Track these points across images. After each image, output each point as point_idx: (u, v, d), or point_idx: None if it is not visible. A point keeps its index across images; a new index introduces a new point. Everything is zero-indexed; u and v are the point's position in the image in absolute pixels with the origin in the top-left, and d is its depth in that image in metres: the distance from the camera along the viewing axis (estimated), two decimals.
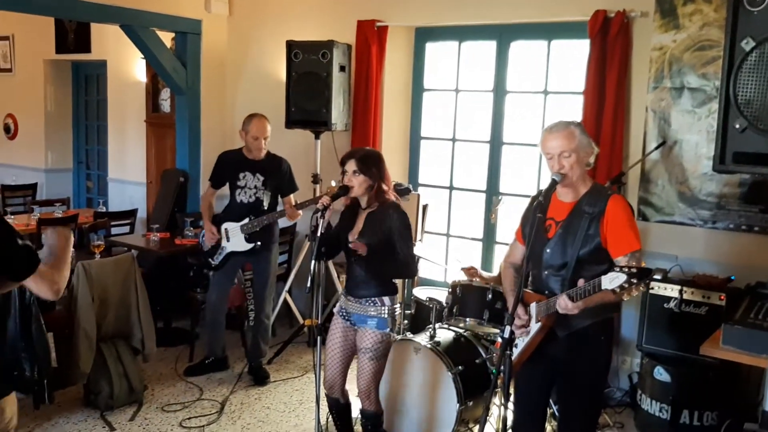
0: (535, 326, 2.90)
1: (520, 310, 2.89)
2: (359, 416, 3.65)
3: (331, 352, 3.56)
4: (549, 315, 2.83)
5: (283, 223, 5.89)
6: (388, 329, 3.46)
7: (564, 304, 2.68)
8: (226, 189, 4.86)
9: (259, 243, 4.75)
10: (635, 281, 2.45)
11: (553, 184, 2.87)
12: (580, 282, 2.64)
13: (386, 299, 3.45)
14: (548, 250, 2.90)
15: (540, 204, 2.84)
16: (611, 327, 3.00)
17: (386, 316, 3.44)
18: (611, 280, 2.50)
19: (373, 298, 3.44)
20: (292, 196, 4.92)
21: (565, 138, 2.82)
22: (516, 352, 2.98)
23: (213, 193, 4.94)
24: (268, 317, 5.04)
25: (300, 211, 4.83)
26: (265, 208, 4.79)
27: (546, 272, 2.92)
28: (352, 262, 3.50)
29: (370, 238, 3.39)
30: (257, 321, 4.98)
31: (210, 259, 4.86)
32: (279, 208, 4.87)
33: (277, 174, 4.83)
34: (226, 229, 4.77)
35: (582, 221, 2.83)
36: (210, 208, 4.89)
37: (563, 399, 3.11)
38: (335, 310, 3.64)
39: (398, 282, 3.61)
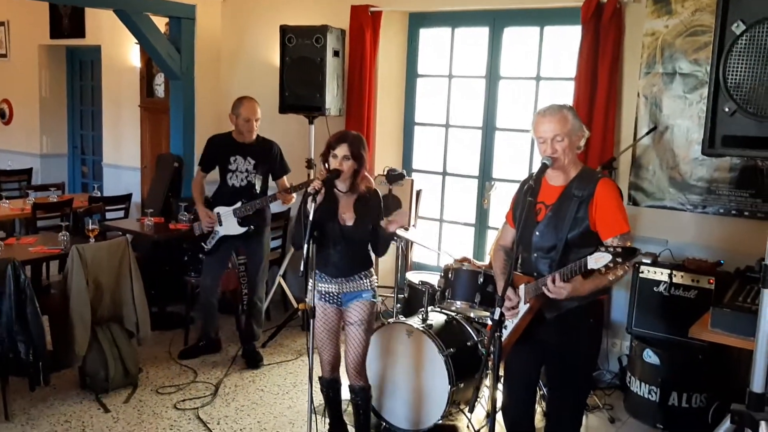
0: (523, 308, 2.93)
1: (510, 292, 2.92)
2: (350, 395, 3.68)
3: (321, 336, 3.59)
4: (537, 296, 2.86)
5: (276, 207, 5.92)
6: (376, 297, 3.64)
7: (551, 285, 2.69)
8: (215, 173, 4.87)
9: (252, 227, 4.77)
10: (620, 260, 2.48)
11: (544, 168, 2.88)
12: (550, 276, 2.67)
13: (372, 271, 3.63)
14: (537, 233, 2.92)
15: (531, 188, 2.86)
16: (600, 310, 3.03)
17: (373, 286, 3.60)
18: (596, 260, 2.53)
19: (362, 272, 3.56)
20: (285, 178, 4.94)
21: (559, 122, 2.84)
22: (505, 333, 3.00)
23: (203, 177, 4.95)
24: (261, 300, 5.07)
25: (293, 195, 4.83)
26: (257, 191, 4.81)
27: (535, 255, 2.94)
28: (336, 247, 3.49)
29: (364, 225, 3.47)
30: (250, 304, 5.02)
31: (203, 244, 4.87)
32: (271, 191, 4.89)
33: (267, 157, 4.85)
34: (218, 213, 4.78)
35: (571, 204, 2.85)
36: (202, 193, 4.90)
37: (552, 381, 3.14)
38: (316, 298, 3.56)
39: (385, 267, 3.67)
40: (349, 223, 3.47)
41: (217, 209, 4.79)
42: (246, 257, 5.14)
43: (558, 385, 3.05)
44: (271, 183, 4.96)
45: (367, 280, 3.58)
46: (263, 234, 4.93)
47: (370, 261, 3.63)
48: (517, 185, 3.13)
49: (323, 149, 3.50)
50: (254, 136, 4.80)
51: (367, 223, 3.50)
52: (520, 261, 3.04)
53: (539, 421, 3.62)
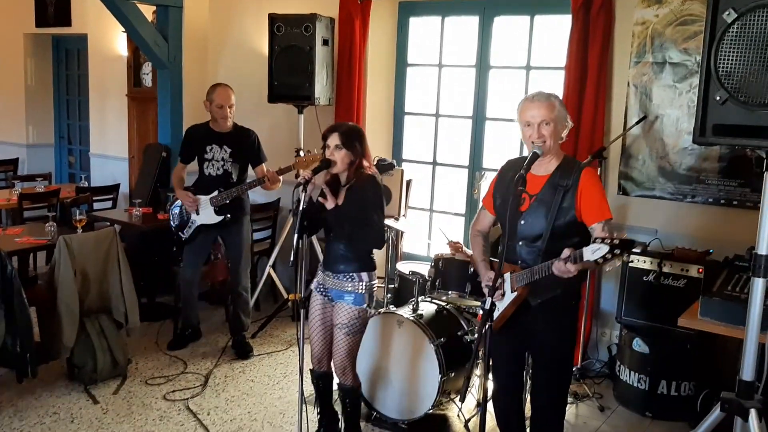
0: (510, 296, 2.96)
1: (492, 273, 2.97)
2: (337, 389, 3.67)
3: (314, 327, 3.58)
4: (525, 286, 2.89)
5: (265, 198, 5.90)
6: (365, 305, 3.45)
7: (562, 267, 2.67)
8: (196, 164, 4.84)
9: (228, 215, 4.74)
10: (618, 252, 2.50)
11: (535, 156, 2.89)
12: (566, 251, 2.66)
13: (364, 275, 3.44)
14: (522, 222, 2.94)
15: (522, 177, 2.85)
16: (579, 293, 3.12)
17: (363, 291, 3.43)
18: (593, 252, 2.54)
19: (351, 274, 3.42)
20: (264, 166, 4.91)
21: (547, 108, 2.89)
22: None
23: (183, 168, 4.92)
24: (246, 290, 5.03)
25: (281, 178, 4.75)
26: (234, 180, 4.78)
27: (520, 243, 2.96)
28: (331, 238, 3.50)
29: (349, 206, 3.37)
30: (235, 294, 4.98)
31: (180, 233, 4.84)
32: (249, 180, 4.86)
33: (244, 145, 4.82)
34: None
35: (556, 194, 2.88)
36: (181, 181, 4.87)
37: (536, 364, 3.16)
38: (312, 286, 3.62)
39: (377, 257, 3.60)
40: (332, 205, 3.36)
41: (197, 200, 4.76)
42: (226, 247, 5.09)
43: (542, 366, 3.09)
44: (251, 172, 4.94)
45: (354, 283, 3.42)
46: (242, 223, 4.89)
47: (367, 263, 3.47)
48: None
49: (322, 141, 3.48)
50: (229, 124, 4.77)
51: (354, 207, 3.37)
52: (501, 248, 3.01)
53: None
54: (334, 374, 3.62)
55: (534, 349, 3.10)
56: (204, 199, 4.73)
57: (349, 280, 3.43)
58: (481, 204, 3.29)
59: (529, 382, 3.48)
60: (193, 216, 4.77)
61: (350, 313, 3.43)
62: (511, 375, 3.18)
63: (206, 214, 4.75)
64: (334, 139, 3.37)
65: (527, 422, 3.30)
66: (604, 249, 2.51)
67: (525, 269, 2.90)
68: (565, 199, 2.86)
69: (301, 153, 4.80)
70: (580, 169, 2.91)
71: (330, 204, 3.35)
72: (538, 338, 3.00)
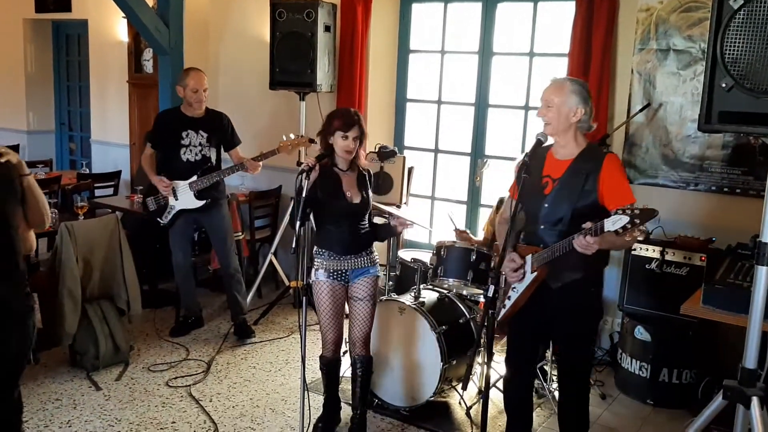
0: (529, 277, 2.99)
1: (515, 255, 3.01)
2: (353, 365, 3.69)
3: (326, 316, 3.58)
4: (544, 265, 2.92)
5: (266, 185, 5.89)
6: (379, 272, 3.72)
7: (582, 241, 2.70)
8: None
9: (209, 199, 4.73)
10: (638, 221, 2.52)
11: (538, 143, 2.97)
12: (587, 223, 2.70)
13: (372, 247, 3.69)
14: (546, 206, 2.98)
15: (526, 164, 2.88)
16: (601, 279, 3.17)
17: (377, 260, 3.68)
18: (614, 222, 2.57)
19: (367, 249, 3.63)
20: (238, 149, 4.91)
21: (555, 89, 2.95)
22: (508, 304, 3.08)
23: (153, 153, 4.87)
24: (237, 270, 5.03)
25: (260, 164, 4.74)
26: (213, 164, 4.79)
27: (542, 227, 3.00)
28: (339, 226, 3.51)
29: (368, 199, 3.59)
30: (227, 276, 4.97)
31: (159, 219, 4.83)
32: (225, 164, 4.87)
33: (219, 129, 4.83)
34: (173, 188, 4.74)
35: (579, 177, 2.92)
36: (153, 166, 4.83)
37: (559, 345, 3.21)
38: (322, 276, 3.57)
39: (378, 246, 3.79)
40: (356, 200, 3.53)
41: (172, 183, 4.74)
42: (208, 231, 5.07)
43: (563, 349, 3.16)
44: (224, 156, 4.94)
45: (372, 256, 3.65)
46: (221, 206, 4.90)
47: (373, 237, 3.68)
48: (510, 163, 3.17)
49: (323, 127, 3.50)
50: (203, 108, 4.76)
51: (369, 200, 3.60)
52: (523, 234, 3.11)
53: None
54: (351, 349, 3.67)
55: (554, 333, 3.16)
56: (182, 185, 4.71)
57: (369, 254, 3.64)
58: (508, 193, 3.31)
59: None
60: (171, 201, 4.74)
61: (373, 283, 3.63)
62: (524, 359, 3.23)
63: (186, 199, 4.73)
64: (356, 131, 3.44)
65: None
66: (625, 219, 2.54)
67: (545, 249, 2.94)
68: (588, 182, 2.90)
69: (283, 137, 4.76)
70: (603, 155, 2.97)
71: (356, 198, 3.52)
72: (558, 323, 3.05)
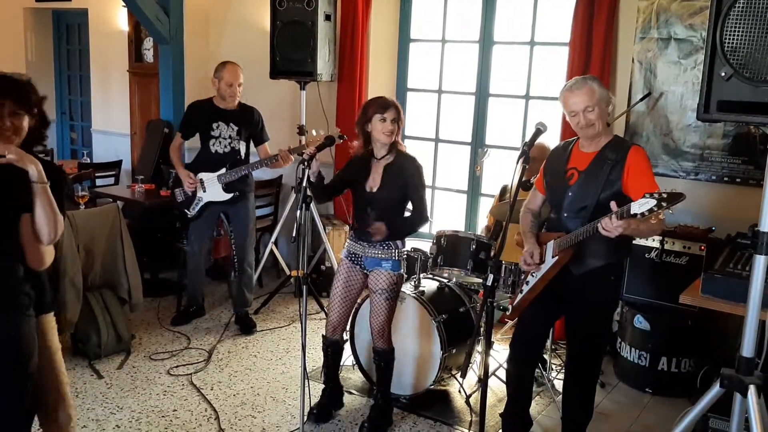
0: (550, 261, 3.04)
1: (535, 250, 3.11)
2: (373, 354, 3.74)
3: (336, 294, 3.66)
4: (566, 249, 2.98)
5: (266, 175, 5.89)
6: (401, 270, 3.61)
7: (607, 222, 2.74)
8: (195, 140, 4.83)
9: (237, 192, 4.74)
10: (665, 205, 2.56)
11: (538, 132, 2.99)
12: (614, 205, 2.74)
13: (399, 242, 3.58)
14: (570, 194, 3.04)
15: (524, 153, 2.92)
16: (621, 269, 3.23)
17: (399, 258, 3.58)
18: (641, 205, 2.61)
19: (387, 242, 3.54)
20: (266, 144, 4.91)
21: (586, 94, 2.98)
22: (526, 289, 3.15)
23: (182, 143, 4.93)
24: (251, 266, 5.06)
25: (292, 157, 4.73)
26: (242, 157, 4.79)
27: (566, 215, 3.07)
28: (366, 211, 3.54)
29: (389, 191, 3.51)
30: (241, 270, 5.00)
31: (186, 210, 4.84)
32: (252, 157, 4.88)
33: (250, 123, 4.83)
34: (201, 179, 4.75)
35: (604, 167, 2.98)
36: (180, 157, 4.88)
37: (572, 332, 3.25)
38: (343, 254, 3.69)
39: None
40: (374, 189, 3.51)
41: (200, 175, 4.76)
42: (232, 224, 5.10)
43: (578, 336, 3.21)
44: (252, 149, 4.94)
45: (391, 251, 3.56)
46: (248, 199, 4.91)
47: (395, 231, 3.55)
48: (510, 152, 3.21)
49: (360, 117, 3.49)
50: (236, 102, 4.76)
51: (395, 191, 3.51)
52: (546, 223, 3.22)
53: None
54: (372, 337, 3.69)
55: (573, 314, 3.20)
56: (211, 177, 4.72)
57: (386, 248, 3.55)
58: (534, 186, 3.35)
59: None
60: (200, 193, 4.77)
61: (389, 279, 3.56)
62: (533, 343, 3.30)
63: (214, 191, 4.75)
64: (392, 113, 3.42)
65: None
66: (652, 202, 2.58)
67: (568, 234, 2.99)
68: (613, 172, 2.96)
69: (307, 131, 4.78)
70: (629, 146, 3.02)
71: (375, 187, 3.49)
72: (575, 309, 3.12)
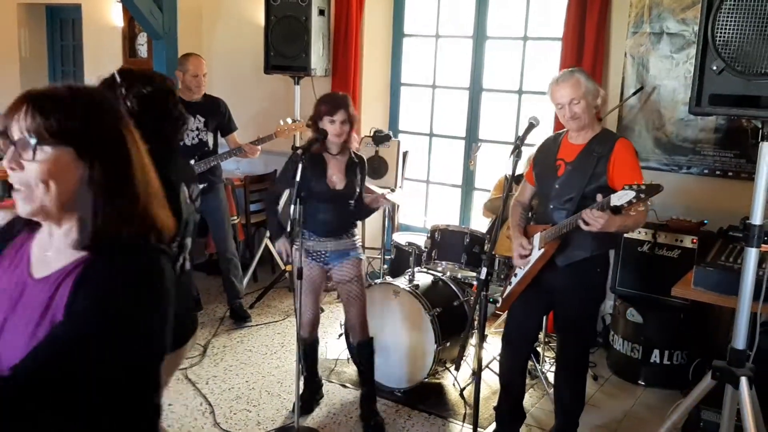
0: (537, 253, 3.06)
1: (524, 241, 3.13)
2: (356, 350, 3.76)
3: (305, 295, 3.60)
4: (552, 241, 3.00)
5: (261, 169, 5.90)
6: (363, 254, 3.72)
7: (588, 214, 2.78)
8: None
9: (206, 184, 4.73)
10: (643, 196, 2.59)
11: (530, 127, 3.01)
12: (598, 197, 2.77)
13: (355, 230, 3.69)
14: (557, 186, 3.07)
15: (517, 147, 2.94)
16: (607, 261, 3.21)
17: (359, 243, 3.68)
18: (620, 197, 2.64)
19: (349, 231, 3.63)
20: (234, 134, 4.93)
21: (572, 86, 3.00)
22: (515, 281, 3.17)
23: None
24: (234, 254, 5.05)
25: (259, 148, 4.77)
26: (210, 148, 4.80)
27: (551, 206, 3.09)
28: (320, 208, 3.53)
29: (351, 188, 3.56)
30: (224, 260, 4.99)
31: None
32: (221, 148, 4.88)
33: (216, 114, 4.84)
34: None
35: (590, 160, 3.00)
36: None
37: (560, 324, 3.30)
38: (299, 256, 3.54)
39: (374, 230, 3.74)
40: (339, 186, 3.52)
41: None
42: (205, 215, 5.08)
43: (566, 327, 3.24)
44: (221, 141, 4.95)
45: (353, 239, 3.64)
46: (218, 189, 4.91)
47: (355, 220, 3.70)
48: (503, 147, 3.24)
49: (313, 113, 3.50)
50: (202, 93, 4.78)
51: (356, 187, 3.59)
52: (535, 215, 3.25)
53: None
54: (352, 335, 3.73)
55: (560, 306, 3.23)
56: None
57: (349, 237, 3.62)
58: (524, 179, 3.39)
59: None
60: None
61: (357, 266, 3.62)
62: (524, 335, 3.31)
63: None
64: (342, 115, 3.43)
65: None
66: (631, 194, 2.61)
67: (553, 227, 3.01)
68: (599, 165, 2.98)
69: (280, 122, 4.77)
70: (616, 139, 3.05)
71: (339, 184, 3.51)
72: (562, 301, 3.15)
